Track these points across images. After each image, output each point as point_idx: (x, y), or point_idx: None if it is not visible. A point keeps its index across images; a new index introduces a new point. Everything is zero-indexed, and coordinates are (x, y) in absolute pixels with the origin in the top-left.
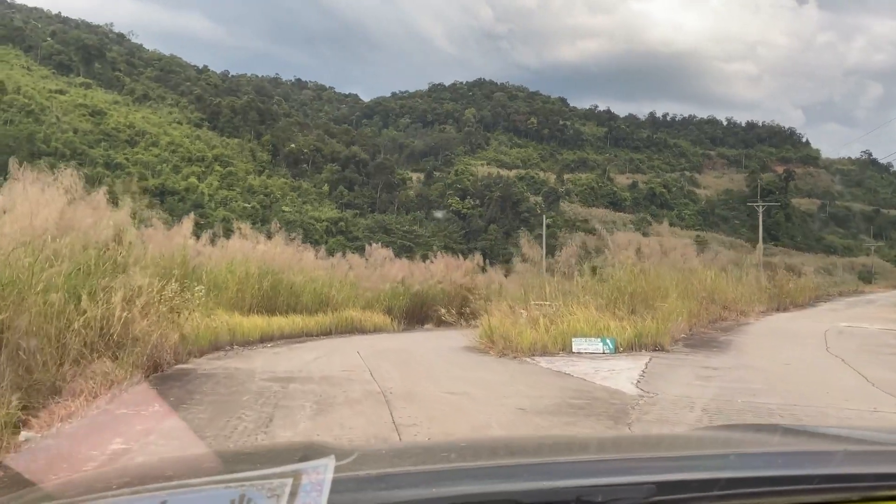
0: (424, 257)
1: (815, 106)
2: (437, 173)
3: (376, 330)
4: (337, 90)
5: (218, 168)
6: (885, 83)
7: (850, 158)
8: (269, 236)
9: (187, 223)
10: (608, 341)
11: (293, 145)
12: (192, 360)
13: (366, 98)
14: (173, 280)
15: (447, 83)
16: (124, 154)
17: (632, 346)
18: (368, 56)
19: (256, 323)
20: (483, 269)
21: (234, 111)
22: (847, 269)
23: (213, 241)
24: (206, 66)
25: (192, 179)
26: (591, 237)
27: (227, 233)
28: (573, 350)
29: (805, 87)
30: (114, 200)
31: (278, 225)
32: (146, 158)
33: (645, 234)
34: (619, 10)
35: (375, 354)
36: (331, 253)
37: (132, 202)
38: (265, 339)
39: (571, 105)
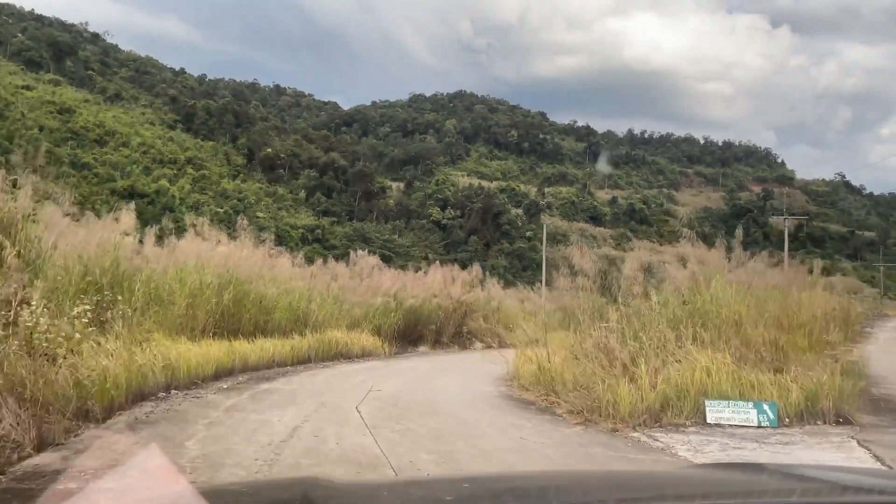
0: (417, 268)
1: (788, 127)
2: (417, 183)
3: (364, 355)
4: (316, 97)
5: (190, 171)
6: (855, 107)
7: (823, 180)
8: (234, 236)
9: (127, 216)
10: (766, 408)
11: (269, 150)
12: (85, 431)
13: (345, 106)
14: (89, 293)
15: (428, 94)
16: (92, 154)
17: (800, 416)
18: (348, 65)
19: (211, 352)
20: (481, 282)
21: (210, 113)
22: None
23: (160, 240)
24: (182, 69)
25: (164, 182)
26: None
27: (180, 231)
28: (708, 419)
29: (778, 108)
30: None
31: (246, 223)
32: (115, 159)
33: (625, 251)
34: (596, 28)
35: (387, 416)
36: (309, 261)
37: (36, 180)
38: (222, 374)
39: (551, 119)
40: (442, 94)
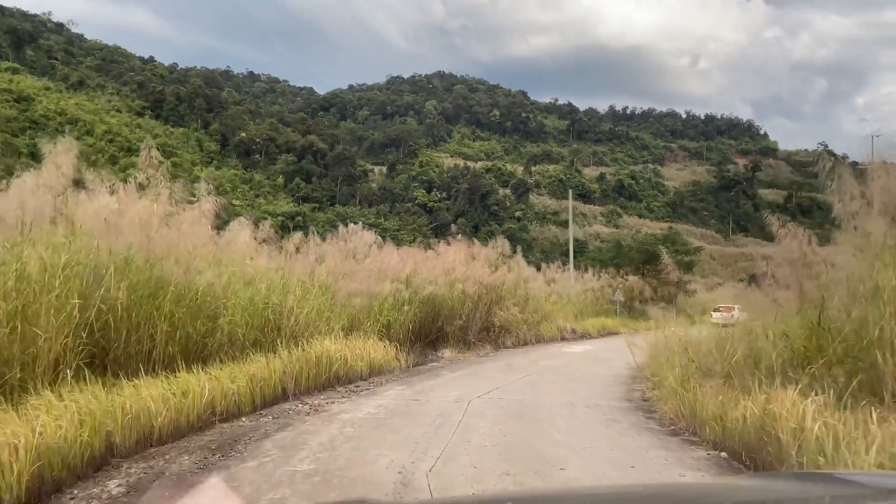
0: (426, 245)
1: (765, 100)
2: (399, 166)
3: (373, 373)
4: (292, 84)
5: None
6: (830, 78)
7: (806, 150)
8: (143, 187)
9: None
10: None
11: (244, 134)
12: None
13: (322, 91)
14: None
15: (406, 76)
16: (53, 143)
17: None
18: (323, 51)
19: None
20: (507, 260)
21: (180, 99)
22: None
23: None
24: (151, 57)
25: (131, 171)
26: (562, 229)
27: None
28: None
29: (754, 81)
30: None
31: (161, 166)
32: (79, 148)
33: (616, 227)
34: (568, 6)
35: None
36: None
37: None
38: (85, 478)
39: (532, 98)
40: (420, 76)
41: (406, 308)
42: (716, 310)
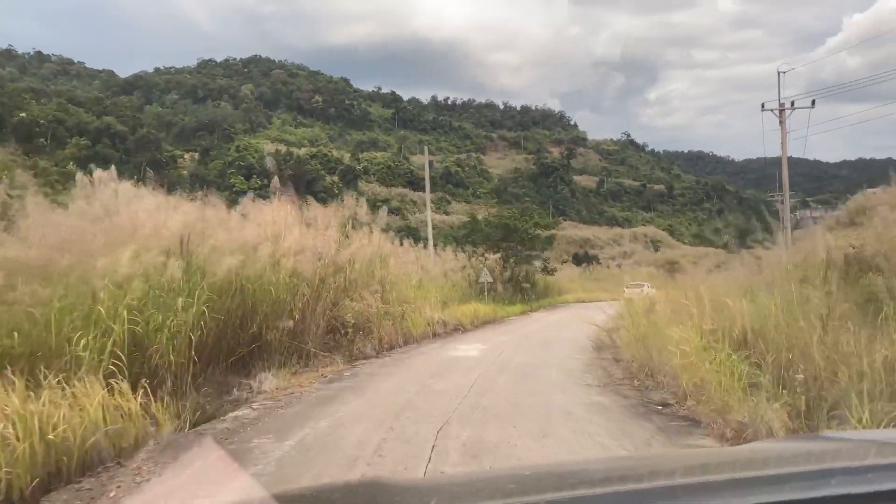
0: (232, 202)
1: (571, 94)
2: (213, 152)
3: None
4: (88, 66)
5: None
6: (626, 74)
7: (612, 140)
8: None
9: None
10: None
11: (24, 114)
12: None
13: (124, 74)
14: None
15: (219, 59)
16: None
17: None
18: (124, 32)
19: None
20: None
21: None
22: (632, 239)
23: None
24: None
25: None
26: (395, 217)
27: None
28: None
29: (560, 76)
30: None
31: None
32: None
33: (447, 213)
34: None
35: None
36: None
37: None
38: None
39: (355, 86)
40: (235, 60)
41: (182, 302)
42: (628, 286)
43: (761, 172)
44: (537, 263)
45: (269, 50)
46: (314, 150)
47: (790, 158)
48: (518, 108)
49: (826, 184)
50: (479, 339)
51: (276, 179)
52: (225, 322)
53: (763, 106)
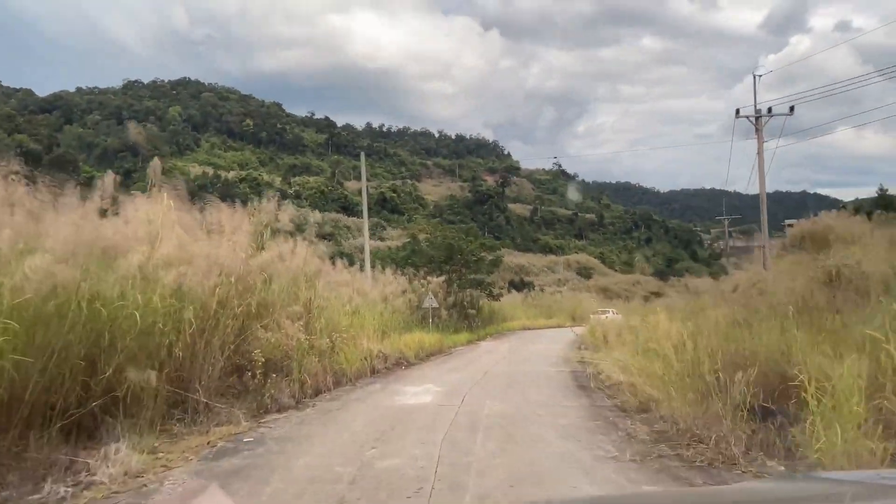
0: (85, 183)
1: (504, 125)
2: (136, 174)
3: None
4: (5, 83)
5: None
6: (557, 107)
7: (544, 169)
8: None
9: None
10: None
11: None
12: None
13: (43, 93)
14: None
15: (146, 80)
16: None
17: None
18: (45, 51)
19: None
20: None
21: None
22: (566, 266)
23: None
24: None
25: None
26: (329, 243)
27: None
28: None
29: (494, 107)
30: None
31: None
32: None
33: (381, 239)
34: (319, 24)
35: None
36: None
37: None
38: None
39: (288, 111)
40: (163, 81)
41: None
42: (594, 313)
43: (685, 203)
44: (484, 289)
45: (201, 73)
46: (244, 173)
47: (713, 190)
48: (453, 137)
49: (747, 214)
50: (429, 376)
51: (155, 163)
52: (57, 364)
53: (738, 112)
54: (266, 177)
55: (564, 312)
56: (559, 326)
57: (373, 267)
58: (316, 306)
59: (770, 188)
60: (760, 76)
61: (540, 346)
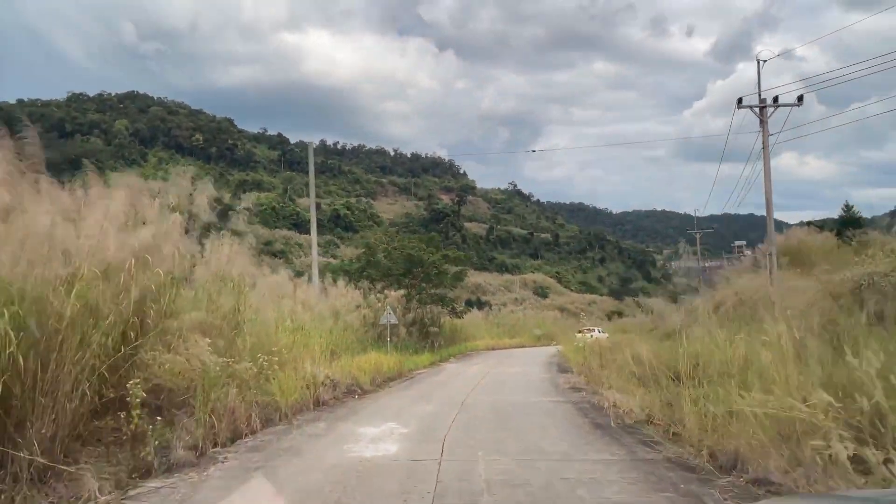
0: None
1: (459, 145)
2: (79, 191)
3: None
4: None
5: None
6: (511, 128)
7: (500, 189)
8: None
9: None
10: None
11: None
12: None
13: None
14: None
15: (92, 93)
16: None
17: None
18: None
19: None
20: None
21: None
22: (522, 286)
23: None
24: None
25: None
26: (275, 260)
27: None
28: None
29: (449, 127)
30: None
31: None
32: None
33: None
34: (271, 41)
35: None
36: None
37: None
38: None
39: (240, 126)
40: (109, 94)
41: None
42: (580, 331)
43: (636, 224)
44: (446, 304)
45: (149, 87)
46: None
47: (660, 212)
48: (409, 155)
49: (696, 236)
50: (390, 409)
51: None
52: None
53: (740, 102)
54: (216, 192)
55: (528, 332)
56: (522, 346)
57: (321, 277)
58: (244, 320)
59: (717, 210)
60: (765, 61)
61: (516, 369)
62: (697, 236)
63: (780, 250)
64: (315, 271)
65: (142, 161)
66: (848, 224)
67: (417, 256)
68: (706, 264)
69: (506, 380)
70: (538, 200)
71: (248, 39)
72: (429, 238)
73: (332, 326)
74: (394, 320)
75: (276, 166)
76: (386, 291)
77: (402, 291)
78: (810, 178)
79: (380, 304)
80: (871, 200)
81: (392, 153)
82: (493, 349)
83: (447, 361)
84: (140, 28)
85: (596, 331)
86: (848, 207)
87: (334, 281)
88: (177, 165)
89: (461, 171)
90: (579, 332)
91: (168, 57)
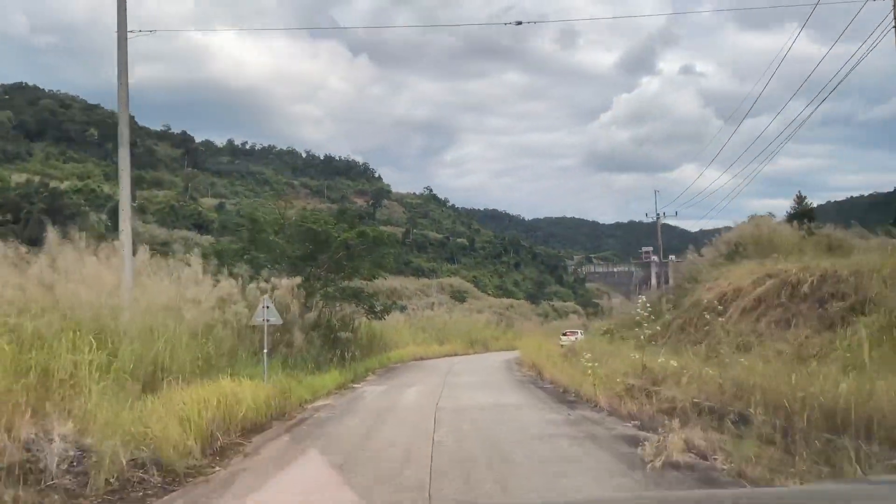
0: None
1: (374, 150)
2: None
3: None
4: None
5: None
6: (426, 135)
7: (415, 193)
8: None
9: None
10: None
11: None
12: None
13: None
14: None
15: None
16: None
17: None
18: None
19: None
20: None
21: None
22: (439, 290)
23: None
24: None
25: None
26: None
27: None
28: None
29: (363, 132)
30: None
31: None
32: None
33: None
34: (178, 40)
35: None
36: None
37: None
38: None
39: (141, 123)
40: None
41: None
42: (564, 334)
43: (547, 231)
44: (363, 302)
45: (41, 79)
46: (80, 184)
47: (570, 219)
48: (321, 157)
49: (603, 243)
50: None
51: None
52: None
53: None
54: (108, 189)
55: (460, 337)
56: (457, 354)
57: (189, 259)
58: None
59: (623, 219)
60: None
61: (487, 396)
62: (662, 245)
63: (749, 239)
64: (127, 240)
65: (27, 155)
66: (803, 216)
67: (323, 233)
68: (614, 269)
69: (456, 408)
70: (454, 205)
71: (152, 35)
72: (340, 211)
73: (164, 332)
74: (275, 318)
75: (178, 165)
76: (274, 280)
77: (297, 279)
78: (708, 189)
79: (268, 295)
80: (762, 210)
81: (304, 155)
82: (421, 359)
83: (364, 380)
84: (34, 19)
85: (579, 333)
86: (801, 199)
87: (207, 268)
88: (68, 162)
89: (376, 175)
90: (564, 334)
91: (64, 51)
